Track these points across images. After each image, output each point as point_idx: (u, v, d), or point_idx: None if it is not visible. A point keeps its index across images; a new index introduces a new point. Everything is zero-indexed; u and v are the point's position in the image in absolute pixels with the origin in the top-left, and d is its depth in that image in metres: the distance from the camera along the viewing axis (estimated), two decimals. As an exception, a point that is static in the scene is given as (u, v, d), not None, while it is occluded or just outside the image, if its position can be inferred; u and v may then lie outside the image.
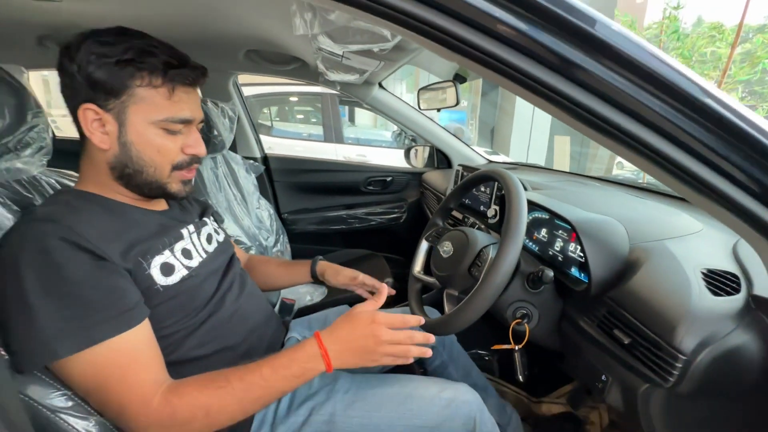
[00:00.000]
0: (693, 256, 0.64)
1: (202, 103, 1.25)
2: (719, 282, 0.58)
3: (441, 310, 0.83)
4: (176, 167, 0.65)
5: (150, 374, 0.54)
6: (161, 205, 0.72)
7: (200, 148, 0.66)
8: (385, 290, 0.74)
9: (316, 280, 1.00)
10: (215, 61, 1.41)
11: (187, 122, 0.63)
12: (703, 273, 0.60)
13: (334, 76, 1.29)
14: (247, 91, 3.25)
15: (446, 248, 0.82)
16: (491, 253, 0.72)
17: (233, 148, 1.65)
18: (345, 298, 1.34)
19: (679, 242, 0.69)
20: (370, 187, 1.89)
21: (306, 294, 1.51)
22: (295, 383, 0.59)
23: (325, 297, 1.45)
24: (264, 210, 1.66)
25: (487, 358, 1.24)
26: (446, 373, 0.98)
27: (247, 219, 1.53)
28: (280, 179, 1.85)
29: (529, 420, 1.12)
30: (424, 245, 0.97)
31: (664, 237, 0.71)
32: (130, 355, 0.53)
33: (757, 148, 0.37)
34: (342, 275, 0.95)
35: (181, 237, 0.68)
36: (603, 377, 0.63)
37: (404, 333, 0.63)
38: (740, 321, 0.53)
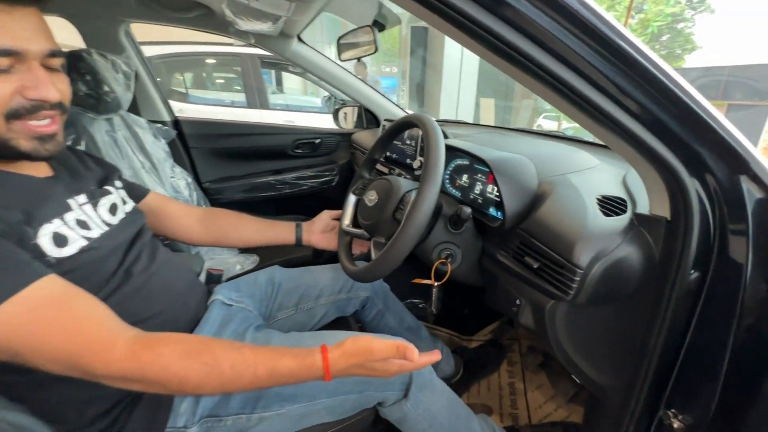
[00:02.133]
0: (590, 186, 0.71)
1: (86, 54, 1.07)
2: (610, 206, 0.65)
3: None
4: (12, 116, 0.52)
5: (94, 321, 0.49)
6: (41, 170, 0.61)
7: (44, 90, 0.52)
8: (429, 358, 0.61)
9: (298, 242, 0.97)
10: (100, 5, 1.21)
11: (12, 55, 0.50)
12: (597, 199, 0.67)
13: (244, 24, 1.17)
14: (151, 50, 2.88)
15: (371, 197, 0.82)
16: (413, 196, 0.73)
17: (135, 110, 1.46)
18: (277, 262, 1.30)
19: (579, 175, 0.75)
20: (299, 151, 1.82)
21: (236, 264, 1.44)
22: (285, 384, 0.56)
23: (257, 266, 1.40)
24: (180, 179, 1.52)
25: (421, 305, 1.30)
26: (383, 322, 1.01)
27: (161, 188, 1.39)
28: (197, 145, 1.70)
29: (458, 352, 1.21)
30: (351, 198, 0.96)
31: (567, 171, 0.77)
32: (60, 304, 0.48)
33: (653, 84, 0.41)
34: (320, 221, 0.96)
35: (67, 208, 0.59)
36: (517, 301, 0.69)
37: (396, 363, 0.58)
38: (625, 236, 0.60)
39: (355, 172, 1.82)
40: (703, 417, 0.64)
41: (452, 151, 0.92)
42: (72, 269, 0.55)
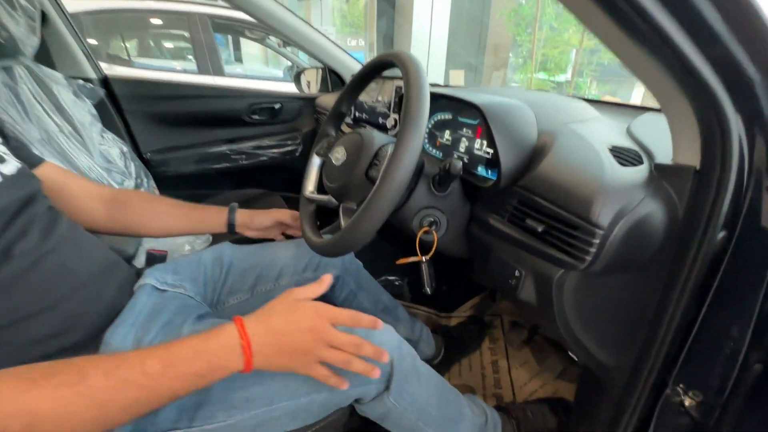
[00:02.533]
0: (598, 135, 0.60)
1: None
2: (624, 158, 0.54)
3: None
4: None
5: None
6: None
7: None
8: (329, 280, 0.57)
9: (231, 230, 0.81)
10: None
11: None
12: (609, 149, 0.56)
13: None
14: (80, 5, 2.49)
15: (339, 155, 0.67)
16: (391, 150, 0.60)
17: (48, 63, 1.21)
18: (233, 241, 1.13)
19: (583, 125, 0.65)
20: (256, 117, 1.61)
21: (185, 243, 1.25)
22: (194, 385, 0.42)
23: (209, 245, 1.22)
24: (113, 147, 1.30)
25: (397, 283, 1.19)
26: (356, 302, 0.89)
27: (86, 157, 1.17)
28: (134, 109, 1.46)
29: (438, 332, 1.12)
30: (315, 161, 0.81)
31: (569, 121, 0.66)
32: None
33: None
34: (267, 217, 0.82)
35: None
36: (516, 273, 0.58)
37: (352, 338, 0.50)
38: (647, 190, 0.49)
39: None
40: (718, 394, 0.57)
41: (433, 102, 0.78)
42: None
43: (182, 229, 0.79)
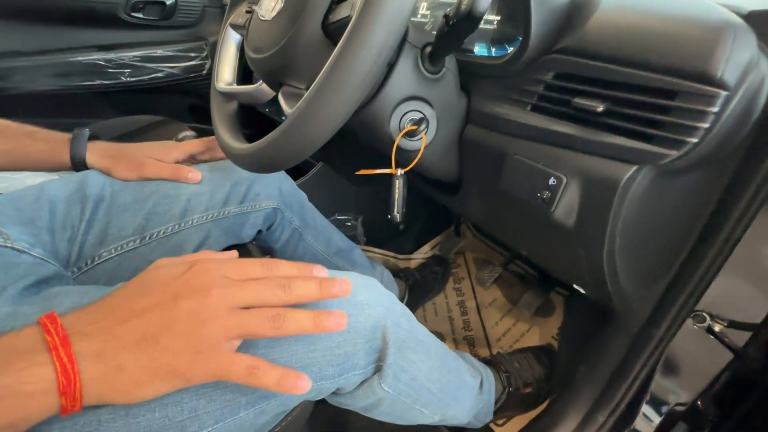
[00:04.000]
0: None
1: None
2: None
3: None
4: None
5: None
6: None
7: None
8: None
9: (83, 169, 0.53)
10: None
11: None
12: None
13: None
14: None
15: (270, 4, 0.41)
16: None
17: None
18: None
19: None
20: (138, 15, 1.18)
21: (26, 177, 0.88)
22: None
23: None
24: None
25: (349, 223, 0.98)
26: (302, 244, 0.66)
27: None
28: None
29: (399, 275, 0.96)
30: (230, 36, 0.53)
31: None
32: None
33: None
34: (153, 154, 0.55)
35: None
36: (551, 181, 0.40)
37: (277, 278, 0.30)
38: (758, 45, 0.33)
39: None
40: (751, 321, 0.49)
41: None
42: None
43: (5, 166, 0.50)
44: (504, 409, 0.68)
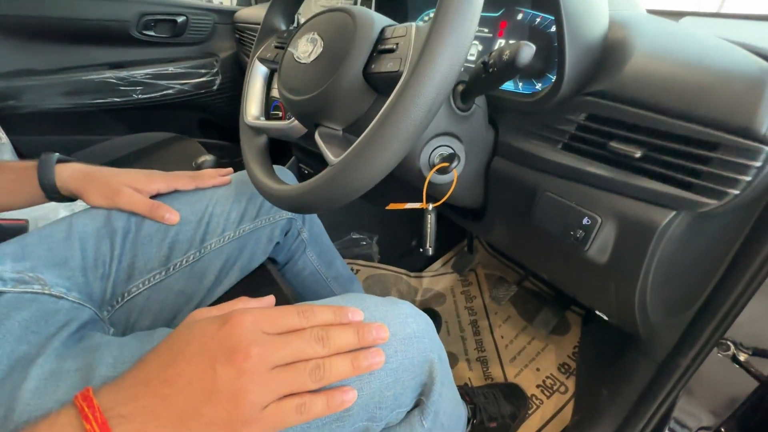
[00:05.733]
0: (691, 28, 0.43)
1: None
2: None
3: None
4: None
5: None
6: None
7: None
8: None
9: (57, 199, 0.50)
10: None
11: None
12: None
13: None
14: None
15: (307, 48, 0.41)
16: (413, 33, 0.36)
17: None
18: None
19: (659, 21, 0.47)
20: (150, 33, 1.19)
21: (57, 209, 0.88)
22: None
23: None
24: None
25: (364, 242, 0.98)
26: (303, 259, 0.67)
27: None
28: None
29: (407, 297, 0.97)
30: (258, 70, 0.53)
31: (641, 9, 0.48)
32: None
33: None
34: (131, 183, 0.50)
35: None
36: (585, 221, 0.41)
37: (323, 313, 0.31)
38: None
39: (244, 67, 1.29)
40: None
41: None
42: None
43: None
44: None
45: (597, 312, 0.62)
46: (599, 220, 0.40)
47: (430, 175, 0.46)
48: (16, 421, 0.28)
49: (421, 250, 0.48)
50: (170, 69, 1.24)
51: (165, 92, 1.24)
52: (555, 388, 0.84)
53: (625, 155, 0.36)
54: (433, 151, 0.47)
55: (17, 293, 0.35)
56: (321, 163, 0.36)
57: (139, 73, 1.19)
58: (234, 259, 0.55)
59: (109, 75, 1.15)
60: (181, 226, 0.51)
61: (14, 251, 0.39)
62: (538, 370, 0.88)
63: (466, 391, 0.73)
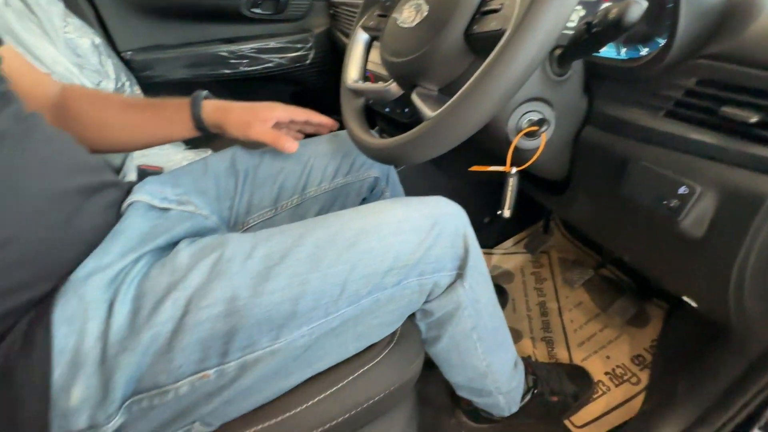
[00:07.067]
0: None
1: None
2: None
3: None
4: None
5: None
6: None
7: None
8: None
9: (203, 130, 0.58)
10: None
11: None
12: None
13: None
14: None
15: (410, 13, 0.45)
16: None
17: None
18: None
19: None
20: (257, 10, 1.31)
21: (182, 160, 1.05)
22: None
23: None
24: (83, 36, 1.03)
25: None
26: None
27: (48, 46, 0.91)
28: (104, -9, 1.16)
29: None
30: (360, 37, 0.58)
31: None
32: None
33: None
34: (258, 116, 0.57)
35: None
36: (681, 189, 0.39)
37: None
38: None
39: (337, 44, 1.36)
40: None
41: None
42: None
43: (137, 143, 0.58)
44: (528, 409, 0.69)
45: (684, 298, 0.59)
46: (698, 189, 0.38)
47: (517, 139, 0.48)
48: None
49: (498, 212, 0.50)
50: (271, 44, 1.35)
51: (266, 65, 1.37)
52: (626, 378, 0.81)
53: (740, 121, 0.35)
54: (522, 116, 0.48)
55: (179, 211, 0.46)
56: (404, 131, 0.41)
57: (245, 47, 1.32)
58: (328, 207, 0.63)
59: (222, 49, 1.30)
60: (288, 173, 0.60)
61: (171, 180, 0.50)
62: (608, 357, 0.86)
63: (528, 363, 0.74)
